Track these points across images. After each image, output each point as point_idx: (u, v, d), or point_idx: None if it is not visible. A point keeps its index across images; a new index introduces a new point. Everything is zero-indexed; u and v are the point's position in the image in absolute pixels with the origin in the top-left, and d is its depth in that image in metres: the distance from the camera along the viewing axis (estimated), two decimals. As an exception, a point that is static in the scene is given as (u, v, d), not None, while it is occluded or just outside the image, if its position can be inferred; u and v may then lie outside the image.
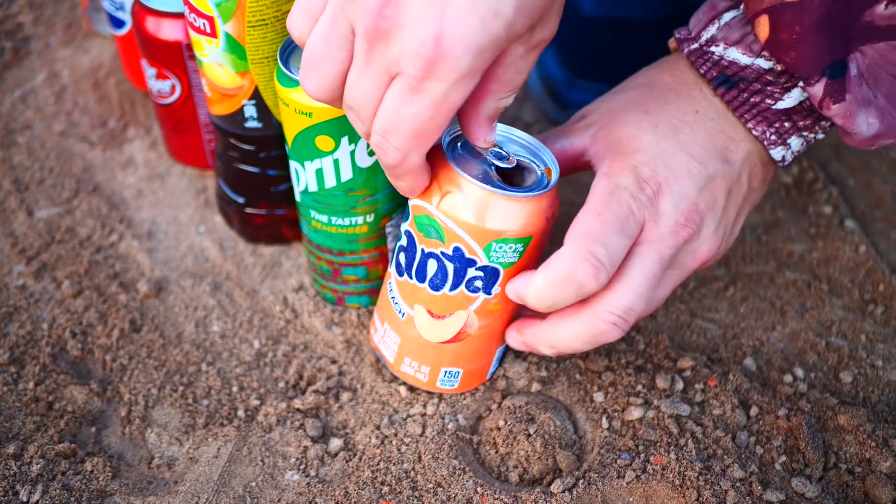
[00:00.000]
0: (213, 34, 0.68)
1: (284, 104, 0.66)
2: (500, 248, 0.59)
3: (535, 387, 0.69)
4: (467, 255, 0.60)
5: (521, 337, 0.64)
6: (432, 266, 0.61)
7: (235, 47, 0.69)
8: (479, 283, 0.61)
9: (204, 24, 0.68)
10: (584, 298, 0.58)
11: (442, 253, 0.60)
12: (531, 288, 0.58)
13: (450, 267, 0.61)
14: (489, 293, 0.62)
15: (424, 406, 0.68)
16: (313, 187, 0.69)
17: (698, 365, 0.70)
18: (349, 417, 0.69)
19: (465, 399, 0.68)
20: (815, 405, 0.68)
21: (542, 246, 0.62)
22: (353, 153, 0.66)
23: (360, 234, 0.71)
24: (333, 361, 0.73)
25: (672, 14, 0.91)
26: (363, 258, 0.73)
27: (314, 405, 0.70)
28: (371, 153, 0.66)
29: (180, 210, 0.84)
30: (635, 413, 0.67)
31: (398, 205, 0.70)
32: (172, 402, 0.71)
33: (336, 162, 0.67)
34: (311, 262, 0.75)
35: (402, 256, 0.63)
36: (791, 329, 0.74)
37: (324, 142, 0.66)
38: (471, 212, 0.58)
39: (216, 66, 0.70)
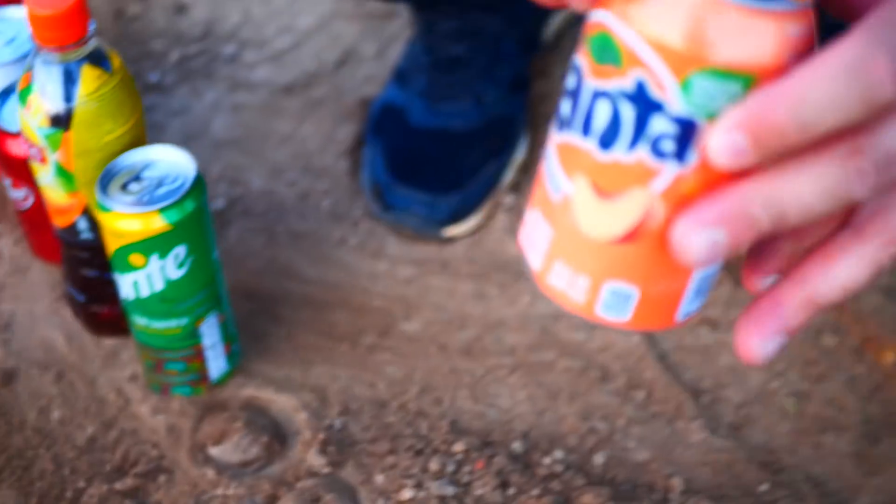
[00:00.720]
0: (44, 161, 0.78)
1: (102, 225, 0.76)
2: (708, 85, 0.37)
3: (326, 470, 0.79)
4: (653, 93, 0.38)
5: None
6: (603, 110, 0.40)
7: (64, 173, 0.78)
8: (668, 145, 0.39)
9: (36, 152, 0.78)
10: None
11: (618, 89, 0.39)
12: (786, 88, 0.35)
13: (626, 111, 0.39)
14: (683, 161, 0.39)
15: (227, 488, 0.78)
16: (131, 296, 0.79)
17: (471, 448, 0.80)
18: (163, 498, 0.79)
19: (264, 483, 0.79)
20: (565, 485, 0.79)
21: None
22: (163, 268, 0.77)
23: (176, 334, 0.81)
24: (155, 446, 0.83)
25: (487, 124, 1.02)
26: (181, 354, 0.83)
27: (133, 487, 0.80)
28: (181, 265, 0.77)
29: (37, 303, 0.94)
30: (406, 494, 0.77)
31: (211, 307, 0.81)
32: (10, 483, 0.80)
33: (148, 276, 0.77)
34: (139, 356, 0.85)
35: (565, 103, 0.42)
36: (560, 413, 0.85)
37: (136, 258, 0.76)
38: (673, 21, 0.37)
39: (50, 188, 0.80)
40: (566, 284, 0.43)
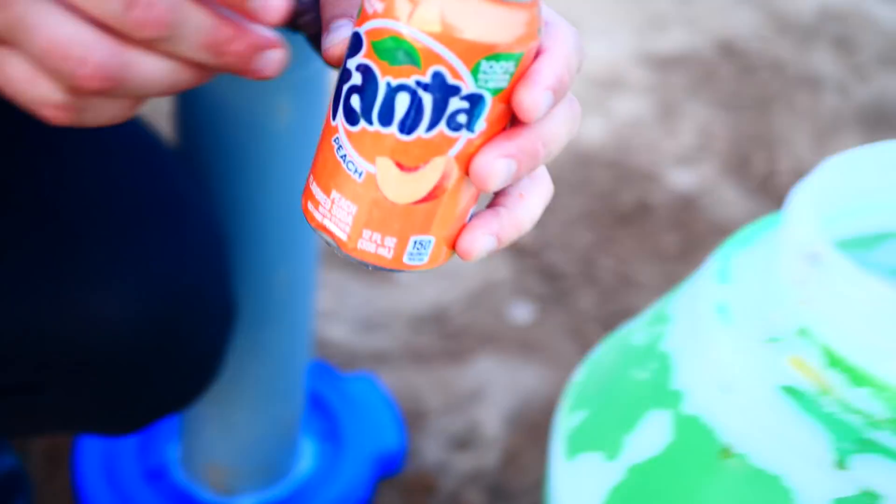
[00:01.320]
0: None
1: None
2: (491, 67, 0.48)
3: None
4: (450, 79, 0.48)
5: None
6: (402, 102, 0.49)
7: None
8: (462, 118, 0.49)
9: None
10: None
11: (417, 82, 0.48)
12: (558, 58, 0.48)
13: (427, 99, 0.48)
14: (472, 130, 0.49)
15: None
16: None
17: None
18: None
19: None
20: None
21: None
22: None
23: None
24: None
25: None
26: None
27: None
28: None
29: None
30: None
31: None
32: None
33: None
34: None
35: (355, 99, 0.50)
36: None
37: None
38: (456, 22, 0.47)
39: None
40: (376, 247, 0.51)
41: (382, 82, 0.48)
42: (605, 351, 0.73)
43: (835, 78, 1.68)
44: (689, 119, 1.58)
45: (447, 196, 0.50)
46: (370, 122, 0.49)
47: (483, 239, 0.50)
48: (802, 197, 0.62)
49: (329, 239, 0.52)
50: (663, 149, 1.53)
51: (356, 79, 0.49)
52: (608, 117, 1.57)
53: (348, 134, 0.50)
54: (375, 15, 0.48)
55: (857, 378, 0.57)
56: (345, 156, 0.51)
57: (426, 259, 0.52)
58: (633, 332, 0.71)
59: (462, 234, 0.51)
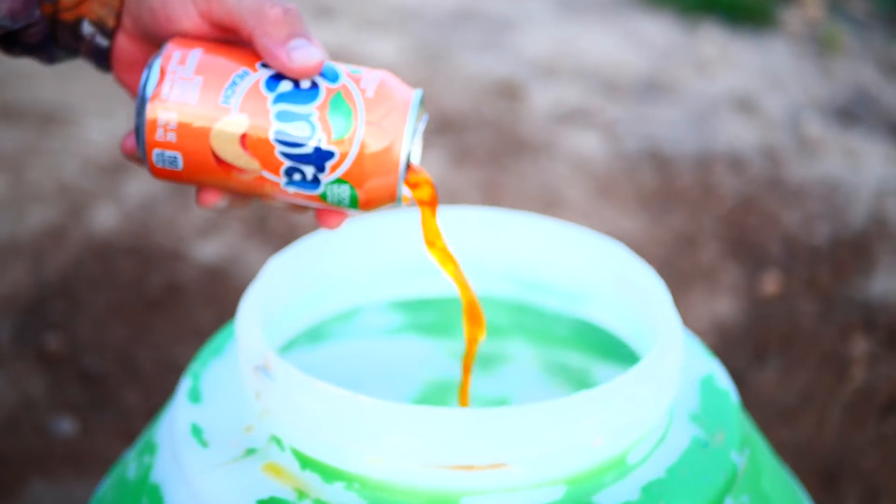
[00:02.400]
0: None
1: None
2: None
3: None
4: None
5: None
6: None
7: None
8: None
9: None
10: None
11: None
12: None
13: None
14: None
15: None
16: None
17: None
18: None
19: None
20: None
21: None
22: None
23: None
24: None
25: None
26: None
27: None
28: None
29: None
30: None
31: None
32: None
33: None
34: None
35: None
36: None
37: None
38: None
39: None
40: None
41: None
42: (106, 488, 0.70)
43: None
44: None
45: None
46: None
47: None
48: (247, 305, 0.63)
49: None
50: (182, 224, 1.51)
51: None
52: (119, 202, 1.53)
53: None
54: None
55: (329, 474, 0.58)
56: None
57: None
58: (127, 463, 0.69)
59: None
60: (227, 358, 0.67)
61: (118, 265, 1.44)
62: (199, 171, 0.59)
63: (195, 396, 0.65)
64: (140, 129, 0.58)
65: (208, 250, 1.48)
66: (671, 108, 1.82)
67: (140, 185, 1.57)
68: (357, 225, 0.73)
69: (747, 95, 1.85)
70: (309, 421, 0.57)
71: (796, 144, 1.74)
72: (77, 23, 0.63)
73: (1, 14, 0.60)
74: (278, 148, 0.58)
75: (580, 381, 0.80)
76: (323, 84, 0.58)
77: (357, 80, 0.59)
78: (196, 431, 0.62)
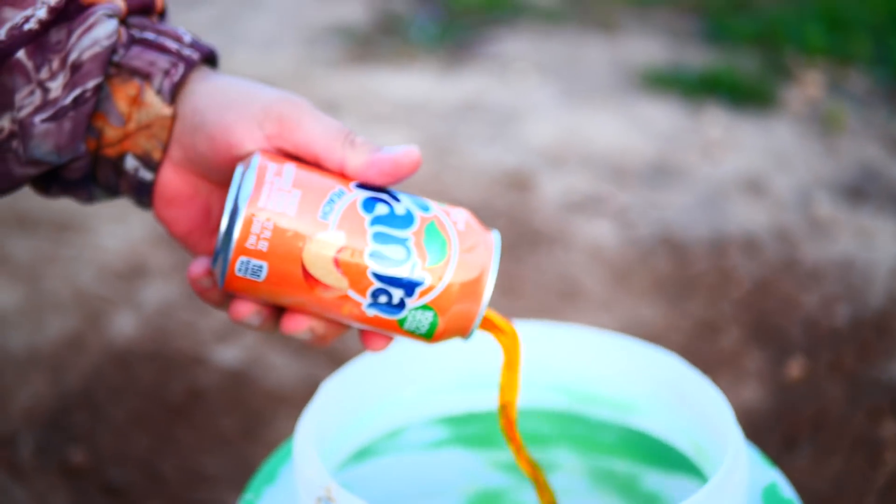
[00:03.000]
0: None
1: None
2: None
3: None
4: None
5: None
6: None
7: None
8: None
9: None
10: None
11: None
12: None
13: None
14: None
15: None
16: None
17: None
18: None
19: None
20: None
21: None
22: None
23: None
24: None
25: None
26: None
27: None
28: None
29: None
30: None
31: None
32: None
33: None
34: None
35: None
36: None
37: None
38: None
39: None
40: None
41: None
42: None
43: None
44: (221, 291, 1.58)
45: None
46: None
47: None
48: (303, 433, 0.63)
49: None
50: (202, 328, 1.51)
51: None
52: (138, 308, 1.53)
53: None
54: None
55: None
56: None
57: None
58: None
59: None
60: (282, 486, 0.67)
61: (138, 372, 1.44)
62: (280, 283, 0.59)
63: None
64: (230, 234, 0.58)
65: (229, 355, 1.47)
66: (681, 192, 1.83)
67: (157, 290, 1.57)
68: (402, 345, 0.73)
69: (755, 177, 1.86)
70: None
71: (808, 225, 1.75)
72: (119, 159, 0.63)
73: (47, 149, 0.60)
74: (371, 268, 0.58)
75: (628, 488, 0.79)
76: (417, 212, 0.59)
77: (447, 213, 0.60)
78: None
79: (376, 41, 2.29)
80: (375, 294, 0.59)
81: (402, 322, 0.59)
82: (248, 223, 0.57)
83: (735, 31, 2.33)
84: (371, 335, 0.61)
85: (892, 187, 1.87)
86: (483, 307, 0.59)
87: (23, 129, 0.60)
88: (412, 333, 0.60)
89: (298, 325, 0.60)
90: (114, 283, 1.57)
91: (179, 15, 2.50)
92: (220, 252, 0.59)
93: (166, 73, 0.62)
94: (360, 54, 2.24)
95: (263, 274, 0.58)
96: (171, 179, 0.63)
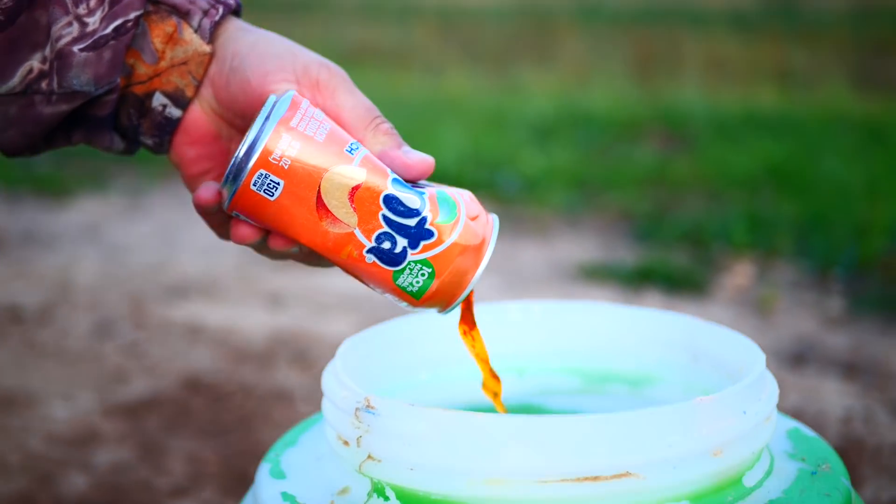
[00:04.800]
0: None
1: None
2: None
3: None
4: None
5: None
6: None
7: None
8: None
9: None
10: None
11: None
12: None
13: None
14: None
15: None
16: None
17: None
18: None
19: None
20: None
21: None
22: None
23: None
24: None
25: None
26: None
27: None
28: None
29: None
30: None
31: None
32: None
33: None
34: None
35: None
36: None
37: None
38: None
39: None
40: None
41: None
42: None
43: (302, 389, 1.73)
44: (175, 454, 1.53)
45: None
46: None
47: None
48: (335, 364, 0.62)
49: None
50: (157, 487, 1.46)
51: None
52: (90, 469, 1.48)
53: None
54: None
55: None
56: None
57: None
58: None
59: None
60: (304, 447, 0.65)
61: (91, 531, 1.37)
62: (290, 207, 0.59)
63: (278, 474, 0.62)
64: (255, 144, 0.58)
65: (186, 510, 1.42)
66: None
67: (110, 453, 1.52)
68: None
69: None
70: (419, 451, 0.55)
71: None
72: (147, 96, 0.64)
73: (86, 78, 0.62)
74: (383, 211, 0.59)
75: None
76: (426, 186, 0.61)
77: (451, 190, 0.62)
78: (287, 498, 0.59)
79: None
80: (380, 238, 0.59)
81: (397, 275, 0.60)
82: (277, 138, 0.58)
83: (663, 233, 2.43)
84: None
85: (830, 354, 1.92)
86: (479, 275, 0.60)
87: (61, 60, 0.61)
88: (402, 291, 0.60)
89: (287, 244, 0.61)
90: (64, 448, 1.52)
91: (120, 228, 2.54)
92: (238, 164, 0.59)
93: (205, 12, 0.64)
94: (302, 256, 2.28)
95: (277, 193, 0.59)
96: (199, 118, 0.65)
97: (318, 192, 0.58)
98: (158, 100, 0.64)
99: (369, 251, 0.59)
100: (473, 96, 3.78)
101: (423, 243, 0.59)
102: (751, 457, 0.58)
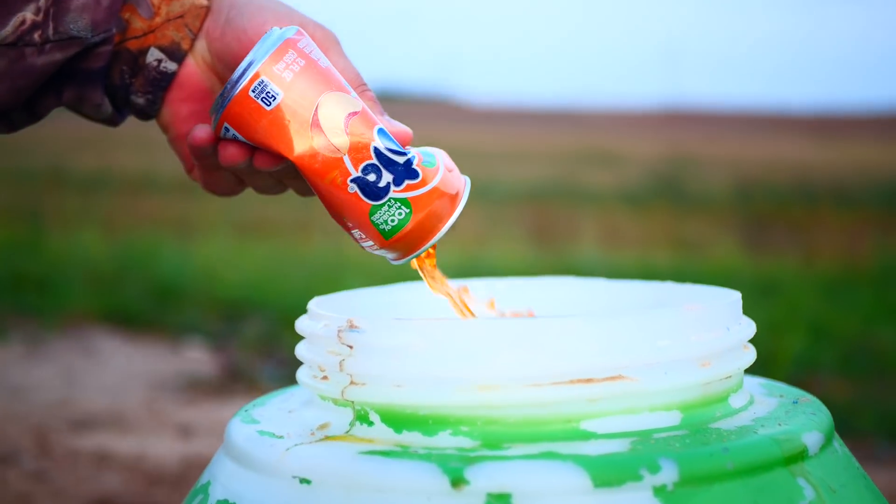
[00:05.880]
0: None
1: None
2: None
3: None
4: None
5: None
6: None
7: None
8: None
9: None
10: None
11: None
12: None
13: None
14: None
15: None
16: None
17: None
18: None
19: None
20: None
21: None
22: None
23: None
24: None
25: None
26: None
27: None
28: None
29: None
30: None
31: None
32: None
33: None
34: None
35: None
36: None
37: None
38: None
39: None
40: None
41: None
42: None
43: None
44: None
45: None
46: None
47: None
48: (309, 310, 0.61)
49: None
50: None
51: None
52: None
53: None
54: None
55: (432, 424, 0.53)
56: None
57: None
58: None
59: None
60: (274, 406, 0.63)
61: None
62: (285, 121, 0.59)
63: (251, 420, 0.59)
64: (261, 52, 0.59)
65: None
66: None
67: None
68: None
69: None
70: (407, 364, 0.54)
71: None
72: (140, 53, 0.64)
73: (83, 24, 0.61)
74: (375, 141, 0.60)
75: None
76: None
77: (427, 147, 0.64)
78: (265, 434, 0.57)
79: (226, 386, 2.29)
80: (367, 169, 0.60)
81: (374, 210, 0.60)
82: (283, 52, 0.59)
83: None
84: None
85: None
86: (449, 224, 0.61)
87: (58, 5, 0.61)
88: (374, 227, 0.60)
89: (274, 162, 0.61)
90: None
91: (21, 372, 2.46)
92: (240, 72, 0.59)
93: None
94: (211, 391, 2.23)
95: (274, 104, 0.59)
96: (193, 72, 0.65)
97: (316, 109, 0.59)
98: (153, 55, 0.64)
99: (354, 180, 0.60)
100: (372, 257, 3.80)
101: (407, 182, 0.60)
102: (736, 376, 0.57)
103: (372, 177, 0.60)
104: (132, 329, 2.75)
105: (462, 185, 0.63)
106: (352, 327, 0.55)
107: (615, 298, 0.69)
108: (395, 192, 0.60)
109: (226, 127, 0.60)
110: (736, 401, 0.58)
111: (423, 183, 0.61)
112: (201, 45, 0.65)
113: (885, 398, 2.21)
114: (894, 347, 2.50)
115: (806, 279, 3.43)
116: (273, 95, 0.59)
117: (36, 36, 0.61)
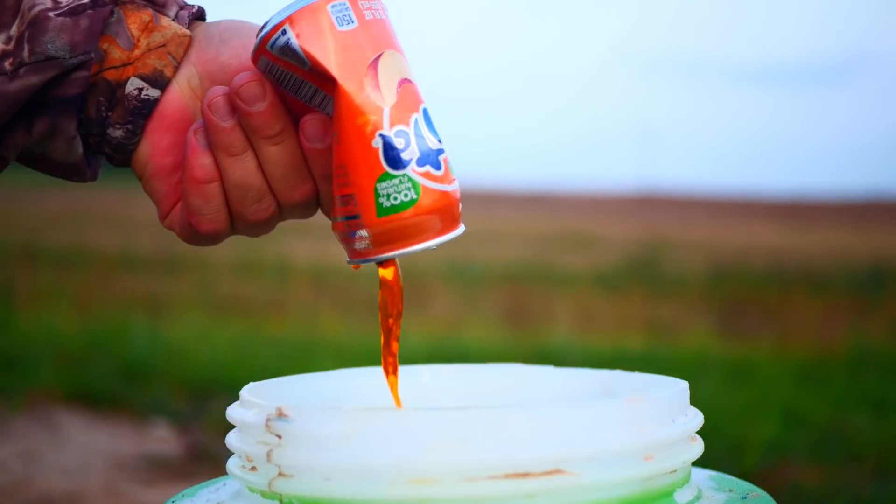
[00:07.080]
0: None
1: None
2: None
3: None
4: None
5: None
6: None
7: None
8: None
9: None
10: None
11: None
12: None
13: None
14: None
15: None
16: None
17: None
18: None
19: None
20: None
21: None
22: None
23: None
24: None
25: None
26: None
27: None
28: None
29: None
30: None
31: None
32: None
33: None
34: None
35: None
36: None
37: None
38: None
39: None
40: None
41: None
42: None
43: None
44: None
45: None
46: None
47: None
48: (241, 397, 0.59)
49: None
50: None
51: None
52: None
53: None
54: None
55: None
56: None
57: None
58: None
59: None
60: (202, 498, 0.60)
61: None
62: (347, 47, 0.58)
63: (179, 512, 0.57)
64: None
65: None
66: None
67: None
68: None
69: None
70: (337, 455, 0.51)
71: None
72: (118, 85, 0.62)
73: (61, 44, 0.60)
74: (418, 114, 0.59)
75: None
76: None
77: None
78: (189, 528, 0.54)
79: (189, 467, 2.25)
80: (399, 133, 0.58)
81: (384, 177, 0.58)
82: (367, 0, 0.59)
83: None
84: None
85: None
86: (434, 242, 0.59)
87: (35, 27, 0.59)
88: (374, 197, 0.58)
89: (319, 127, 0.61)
90: None
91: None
92: (282, 13, 0.58)
93: (181, 6, 0.64)
94: (174, 472, 2.19)
95: (345, 28, 0.58)
96: (177, 99, 0.63)
97: (379, 57, 0.58)
98: (134, 84, 0.62)
99: (382, 135, 0.57)
100: (347, 337, 3.78)
101: (428, 168, 0.58)
102: (682, 469, 0.55)
103: (401, 142, 0.58)
104: (98, 409, 2.71)
105: (458, 222, 0.61)
106: (280, 416, 0.53)
107: (561, 387, 0.66)
108: (412, 171, 0.58)
109: (283, 30, 0.58)
110: (682, 496, 0.56)
111: (442, 179, 0.59)
112: (188, 71, 0.63)
113: (856, 484, 2.18)
114: (866, 433, 2.48)
115: (779, 364, 3.42)
116: (350, 21, 0.58)
117: (7, 64, 0.59)
